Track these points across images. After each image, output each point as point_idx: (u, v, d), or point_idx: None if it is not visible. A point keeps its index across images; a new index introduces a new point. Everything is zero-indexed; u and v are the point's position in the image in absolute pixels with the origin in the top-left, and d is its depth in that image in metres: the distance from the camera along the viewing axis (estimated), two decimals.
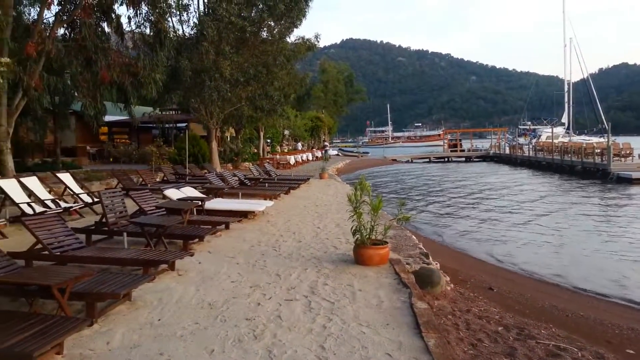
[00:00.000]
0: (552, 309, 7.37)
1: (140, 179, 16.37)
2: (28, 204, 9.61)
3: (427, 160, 60.00)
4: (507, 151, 56.80)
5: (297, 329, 4.56)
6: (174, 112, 31.30)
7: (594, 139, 49.93)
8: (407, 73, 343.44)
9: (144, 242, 7.52)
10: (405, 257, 7.84)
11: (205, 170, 19.72)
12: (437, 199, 23.55)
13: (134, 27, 19.23)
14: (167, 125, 34.13)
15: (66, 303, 4.34)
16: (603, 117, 58.48)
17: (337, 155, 61.57)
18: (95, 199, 11.28)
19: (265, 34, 23.79)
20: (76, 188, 12.22)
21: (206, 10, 22.70)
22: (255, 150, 36.56)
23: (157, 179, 17.69)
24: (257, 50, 23.10)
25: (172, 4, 20.69)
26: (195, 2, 24.32)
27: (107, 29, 18.13)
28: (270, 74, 23.88)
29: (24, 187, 10.40)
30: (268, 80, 24.00)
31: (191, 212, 9.73)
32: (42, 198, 10.40)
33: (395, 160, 59.76)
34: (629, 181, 27.89)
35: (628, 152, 34.63)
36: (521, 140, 63.74)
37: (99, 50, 16.26)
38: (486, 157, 58.27)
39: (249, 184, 17.08)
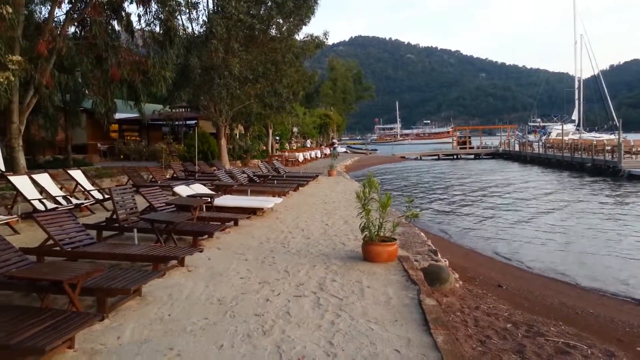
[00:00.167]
0: (562, 307, 7.34)
1: (150, 176, 16.47)
2: (40, 200, 9.70)
3: (436, 157, 59.76)
4: (517, 148, 56.42)
5: (306, 325, 4.58)
6: (183, 109, 31.43)
7: (605, 136, 49.53)
8: (416, 70, 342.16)
9: (154, 238, 7.58)
10: (414, 254, 7.84)
11: (215, 168, 19.81)
12: (446, 196, 23.46)
13: (143, 25, 19.37)
14: (176, 123, 34.29)
15: (77, 298, 4.40)
16: (614, 114, 58.00)
17: (346, 152, 61.51)
18: (106, 196, 11.36)
19: (274, 32, 23.79)
20: (87, 185, 12.32)
21: (215, 8, 22.74)
22: (264, 148, 36.61)
23: (167, 176, 17.81)
24: (266, 48, 23.12)
25: (182, 2, 20.76)
26: (205, 0, 24.48)
27: (117, 27, 18.24)
28: (279, 72, 23.90)
29: (35, 183, 10.50)
30: (277, 78, 24.02)
31: (200, 209, 9.79)
32: (54, 194, 10.50)
33: (403, 157, 59.61)
34: None
35: (639, 149, 34.29)
36: (531, 137, 63.32)
37: (109, 48, 16.36)
38: (495, 155, 57.94)
39: (257, 181, 17.13)
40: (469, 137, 66.19)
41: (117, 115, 23.82)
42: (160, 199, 9.48)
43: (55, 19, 16.52)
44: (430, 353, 3.98)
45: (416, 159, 58.96)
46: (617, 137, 32.81)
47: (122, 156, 28.54)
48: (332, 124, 61.22)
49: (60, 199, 10.33)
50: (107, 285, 4.65)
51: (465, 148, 61.90)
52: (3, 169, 7.33)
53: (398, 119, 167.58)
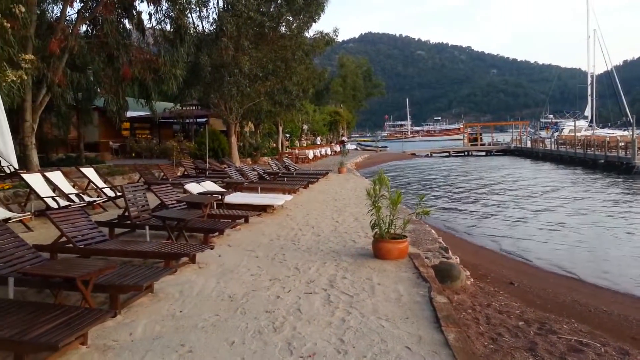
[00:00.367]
0: (574, 304, 7.27)
1: (162, 174, 16.56)
2: (53, 198, 9.80)
3: (447, 154, 59.48)
4: (529, 145, 56.01)
5: (317, 322, 4.58)
6: (194, 107, 31.56)
7: (618, 132, 49.03)
8: (427, 67, 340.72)
9: (165, 235, 7.62)
10: (425, 251, 7.81)
11: (225, 165, 19.89)
12: (457, 193, 23.35)
13: (154, 24, 19.46)
14: (187, 121, 34.44)
15: (90, 295, 4.43)
16: (627, 110, 57.34)
17: (356, 149, 61.43)
18: (118, 193, 11.43)
19: (283, 29, 23.81)
20: (99, 182, 12.41)
21: (225, 6, 22.80)
22: (274, 145, 36.67)
23: (178, 174, 17.88)
24: (276, 45, 23.14)
25: (192, 0, 20.83)
26: None
27: (128, 26, 18.36)
28: (289, 69, 23.91)
29: (48, 181, 10.60)
30: (287, 75, 24.04)
31: (211, 206, 9.82)
32: (66, 192, 10.59)
33: (414, 154, 59.40)
34: None
35: None
36: (543, 133, 62.78)
37: (120, 46, 16.46)
38: (507, 151, 57.50)
39: (268, 178, 17.17)
40: (480, 134, 65.74)
41: (129, 114, 23.88)
42: (172, 196, 9.53)
43: (67, 18, 16.66)
44: (442, 350, 3.96)
45: (427, 156, 58.71)
46: (631, 133, 32.41)
47: (133, 154, 28.70)
48: (342, 121, 61.14)
49: (72, 197, 10.42)
50: (120, 282, 4.68)
51: (476, 145, 61.48)
52: (16, 166, 7.40)
53: (408, 116, 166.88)
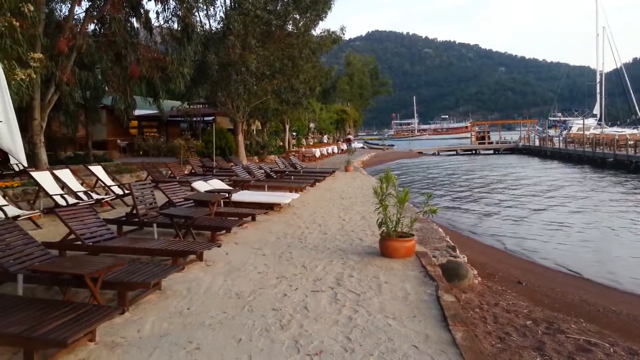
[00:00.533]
0: (583, 304, 7.23)
1: (169, 172, 16.62)
2: (61, 195, 9.86)
3: (454, 152, 59.27)
4: (537, 143, 55.69)
5: (323, 320, 4.58)
6: (201, 105, 31.61)
7: (627, 131, 48.64)
8: (434, 65, 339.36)
9: (173, 233, 7.65)
10: (432, 250, 7.79)
11: (232, 163, 19.92)
12: (465, 191, 23.27)
13: (162, 22, 19.50)
14: (194, 119, 34.51)
15: (98, 292, 4.46)
16: (637, 108, 56.86)
17: (363, 148, 61.34)
18: (126, 191, 11.49)
19: (290, 27, 23.81)
20: (107, 180, 12.47)
21: (232, 4, 22.82)
22: (281, 143, 36.67)
23: (186, 172, 17.94)
24: (283, 44, 23.14)
25: None
26: None
27: (136, 24, 18.41)
28: (296, 67, 23.90)
29: (57, 179, 10.66)
30: (293, 74, 24.03)
31: (218, 204, 9.84)
32: (75, 190, 10.65)
33: (421, 152, 59.26)
34: None
35: None
36: (551, 132, 62.42)
37: (128, 45, 16.51)
38: (515, 150, 57.20)
39: (274, 176, 17.17)
40: (488, 132, 65.43)
41: (137, 112, 23.99)
42: (179, 194, 9.57)
43: (75, 17, 16.74)
44: (449, 349, 3.95)
45: (434, 154, 58.55)
46: None
47: (141, 152, 28.83)
48: (348, 120, 61.02)
49: (81, 195, 10.47)
50: (128, 279, 4.70)
51: (484, 143, 61.21)
52: (26, 164, 7.48)
53: (415, 114, 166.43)
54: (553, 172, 33.64)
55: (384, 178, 7.33)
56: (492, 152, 58.12)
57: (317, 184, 16.93)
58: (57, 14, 18.40)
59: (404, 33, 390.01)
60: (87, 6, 16.73)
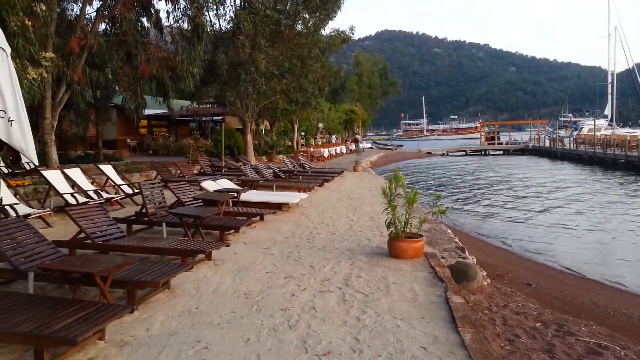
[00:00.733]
0: (593, 306, 7.17)
1: (178, 171, 16.69)
2: (71, 194, 9.92)
3: (463, 153, 58.99)
4: (547, 144, 55.27)
5: (332, 320, 4.58)
6: (210, 105, 31.72)
7: (639, 132, 48.09)
8: (444, 64, 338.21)
9: (182, 232, 7.68)
10: (441, 251, 7.75)
11: (241, 163, 19.96)
12: (473, 192, 23.15)
13: (172, 22, 19.56)
14: (203, 119, 34.65)
15: (108, 290, 4.48)
16: None
17: (371, 148, 61.21)
18: (136, 190, 11.55)
19: (300, 27, 23.83)
20: (117, 179, 12.54)
21: (242, 4, 22.87)
22: (290, 143, 36.70)
23: (194, 171, 18.02)
24: (292, 43, 23.16)
25: None
26: None
27: (146, 24, 18.49)
28: (305, 67, 23.91)
29: (67, 178, 10.74)
30: (302, 73, 24.04)
31: (227, 204, 9.87)
32: (85, 189, 10.72)
33: (430, 153, 59.04)
34: None
35: None
36: (562, 132, 61.95)
37: (139, 44, 16.60)
38: (525, 150, 56.84)
39: (283, 176, 17.19)
40: (498, 133, 65.02)
41: (146, 111, 24.15)
42: (188, 193, 9.60)
43: (87, 16, 16.85)
44: (458, 351, 3.93)
45: (443, 154, 58.32)
46: None
47: (150, 151, 28.97)
48: (357, 120, 60.94)
49: (91, 193, 10.54)
50: (137, 278, 4.72)
51: (493, 144, 60.86)
52: (37, 163, 7.53)
53: (424, 115, 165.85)
54: (563, 173, 33.38)
55: (393, 178, 7.31)
56: (501, 152, 57.78)
57: (325, 184, 16.92)
58: (68, 13, 18.53)
59: (414, 33, 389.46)
60: (98, 6, 16.84)
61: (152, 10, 17.91)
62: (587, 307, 7.09)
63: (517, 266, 9.64)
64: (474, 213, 17.19)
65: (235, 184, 12.71)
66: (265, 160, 26.86)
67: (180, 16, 19.29)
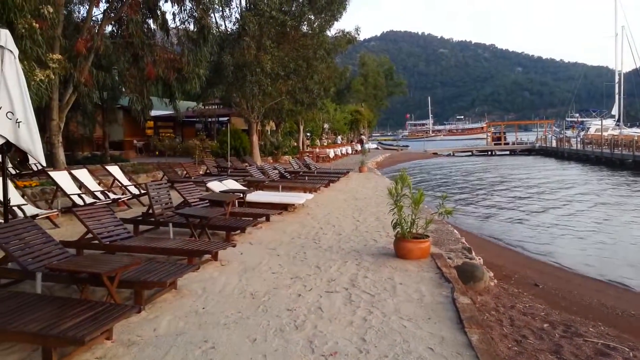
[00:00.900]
0: (601, 307, 7.12)
1: (185, 172, 16.74)
2: (79, 195, 9.98)
3: (470, 153, 58.79)
4: (554, 144, 55.00)
5: (338, 321, 4.57)
6: (216, 106, 31.83)
7: None
8: (449, 65, 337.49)
9: (188, 232, 7.70)
10: (447, 251, 7.73)
11: (247, 164, 19.99)
12: (481, 193, 23.08)
13: (178, 24, 19.68)
14: (209, 120, 34.76)
15: (115, 290, 4.50)
16: None
17: (377, 148, 61.12)
18: (142, 191, 11.59)
19: (305, 28, 23.83)
20: (124, 180, 12.59)
21: (248, 5, 22.93)
22: (295, 144, 36.73)
23: (201, 172, 18.05)
24: (298, 44, 23.18)
25: (215, 0, 20.98)
26: None
27: (152, 26, 18.60)
28: (311, 68, 23.93)
29: (74, 179, 10.80)
30: (308, 74, 24.06)
31: (233, 205, 9.89)
32: (92, 190, 10.78)
33: (436, 153, 58.88)
34: None
35: None
36: (569, 133, 61.62)
37: (145, 46, 16.69)
38: (532, 151, 56.56)
39: (289, 177, 17.19)
40: (504, 133, 64.75)
41: (153, 113, 24.25)
42: (194, 194, 9.62)
43: (93, 18, 16.97)
44: (465, 352, 3.92)
45: (449, 155, 58.15)
46: None
47: (157, 152, 29.08)
48: (362, 120, 60.90)
49: (98, 194, 10.60)
50: (144, 278, 4.73)
51: (500, 144, 60.61)
52: (44, 164, 7.57)
53: (430, 115, 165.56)
54: (570, 173, 33.21)
55: (399, 179, 7.30)
56: (508, 153, 57.55)
57: (331, 184, 16.91)
58: (75, 15, 18.67)
59: (419, 33, 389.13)
60: (105, 8, 16.96)
61: (159, 12, 18.01)
62: (595, 308, 7.05)
63: (524, 267, 9.60)
64: (478, 214, 17.13)
65: (241, 184, 12.74)
66: (271, 160, 26.88)
67: (186, 18, 19.42)
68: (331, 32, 25.84)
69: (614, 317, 6.62)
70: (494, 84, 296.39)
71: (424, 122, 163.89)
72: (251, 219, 9.09)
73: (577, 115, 76.18)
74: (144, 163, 19.88)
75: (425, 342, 4.10)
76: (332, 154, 35.36)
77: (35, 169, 13.51)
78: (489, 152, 58.31)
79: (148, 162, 20.25)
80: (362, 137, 59.99)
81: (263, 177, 15.22)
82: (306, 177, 17.58)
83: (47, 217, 8.78)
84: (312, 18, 23.51)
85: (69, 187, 10.23)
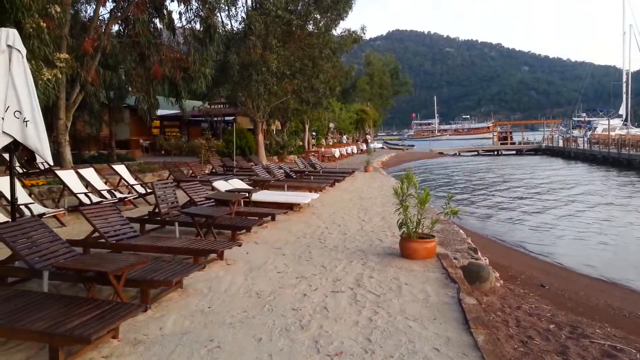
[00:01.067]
0: (607, 308, 7.08)
1: (190, 171, 16.78)
2: (85, 194, 10.02)
3: (476, 153, 58.60)
4: (561, 144, 54.74)
5: (343, 321, 4.57)
6: (222, 105, 31.91)
7: None
8: (456, 64, 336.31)
9: (194, 231, 7.72)
10: (453, 251, 7.71)
11: (252, 163, 20.03)
12: (488, 193, 23.00)
13: (184, 23, 19.76)
14: (215, 119, 34.83)
15: (121, 289, 4.52)
16: None
17: (382, 148, 61.03)
18: (148, 190, 11.63)
19: (311, 27, 23.85)
20: (130, 179, 12.63)
21: (254, 4, 22.96)
22: (301, 143, 36.74)
23: (206, 171, 18.09)
24: (303, 44, 23.20)
25: None
26: None
27: (159, 25, 18.67)
28: (316, 67, 23.94)
29: (81, 178, 10.85)
30: (314, 73, 24.07)
31: (239, 204, 9.90)
32: (99, 189, 10.82)
33: (441, 153, 58.73)
34: None
35: None
36: (575, 132, 61.31)
37: (151, 45, 16.76)
38: (538, 150, 56.32)
39: (294, 176, 17.20)
40: (511, 133, 64.47)
41: (159, 112, 24.36)
42: (200, 193, 9.64)
43: (100, 18, 17.05)
44: (471, 352, 3.91)
45: (454, 154, 58.00)
46: None
47: (163, 152, 29.19)
48: (368, 120, 60.83)
49: (104, 193, 10.63)
50: (150, 277, 4.74)
51: (506, 143, 60.37)
52: (51, 163, 7.61)
53: (436, 114, 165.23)
54: (576, 173, 33.05)
55: (405, 178, 7.28)
56: (514, 152, 57.33)
57: (336, 184, 16.91)
58: (82, 15, 18.76)
59: (425, 32, 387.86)
60: (112, 7, 17.04)
61: (165, 11, 18.07)
62: (602, 309, 7.01)
63: (530, 267, 9.56)
64: (484, 214, 17.07)
65: (247, 184, 12.75)
66: (277, 160, 26.92)
67: (193, 17, 19.50)
68: (337, 31, 25.89)
69: (620, 319, 6.58)
70: (501, 83, 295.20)
71: (429, 121, 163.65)
72: (257, 218, 9.10)
73: (584, 114, 75.74)
74: (150, 162, 19.96)
75: (431, 343, 4.09)
76: (337, 154, 35.35)
77: (42, 167, 13.57)
78: (495, 152, 58.10)
79: (154, 161, 20.33)
80: (367, 136, 59.96)
81: (269, 176, 15.23)
82: (312, 177, 17.57)
83: (54, 216, 8.82)
84: (318, 17, 23.53)
85: (76, 186, 10.28)
